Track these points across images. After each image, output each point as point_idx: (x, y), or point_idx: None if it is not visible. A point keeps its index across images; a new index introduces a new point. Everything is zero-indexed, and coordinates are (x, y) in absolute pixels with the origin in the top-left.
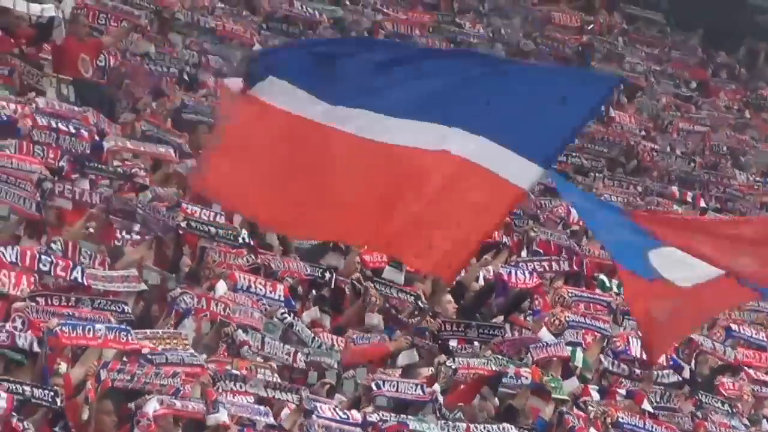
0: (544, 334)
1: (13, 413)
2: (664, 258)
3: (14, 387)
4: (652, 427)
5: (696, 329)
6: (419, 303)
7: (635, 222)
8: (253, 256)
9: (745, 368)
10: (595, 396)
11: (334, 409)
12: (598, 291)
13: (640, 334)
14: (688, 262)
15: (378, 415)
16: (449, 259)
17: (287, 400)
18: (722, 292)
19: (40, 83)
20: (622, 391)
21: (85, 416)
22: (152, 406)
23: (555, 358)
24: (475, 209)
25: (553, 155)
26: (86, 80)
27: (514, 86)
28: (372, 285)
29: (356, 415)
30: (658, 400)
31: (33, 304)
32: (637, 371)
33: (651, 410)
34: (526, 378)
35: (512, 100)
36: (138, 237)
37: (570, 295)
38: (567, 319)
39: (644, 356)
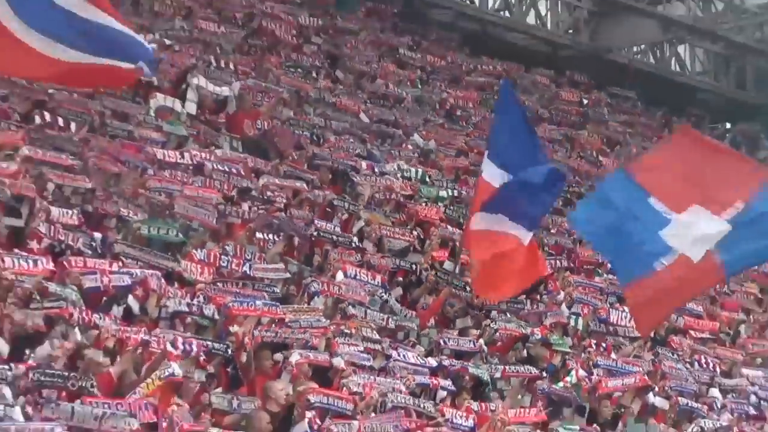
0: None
1: (201, 354)
2: (678, 232)
3: (203, 342)
4: (622, 366)
5: (677, 307)
6: (467, 287)
7: (636, 181)
8: (360, 255)
9: (688, 330)
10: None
11: (416, 357)
12: (595, 279)
13: (633, 318)
14: (696, 229)
15: (447, 361)
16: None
17: (380, 350)
18: (704, 273)
19: (217, 140)
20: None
21: (244, 359)
22: (294, 357)
23: (560, 323)
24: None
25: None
26: (249, 138)
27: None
28: (436, 273)
29: (431, 361)
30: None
31: (213, 286)
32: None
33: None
34: (538, 335)
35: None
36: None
37: (574, 281)
38: (575, 296)
39: (623, 323)
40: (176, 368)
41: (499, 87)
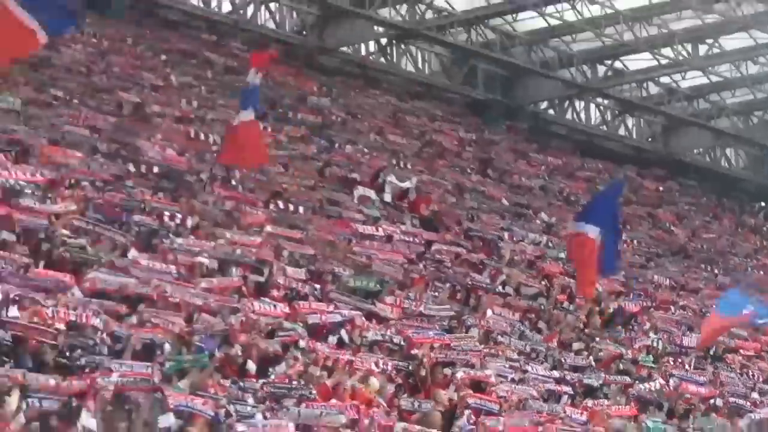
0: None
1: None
2: None
3: (394, 361)
4: (691, 376)
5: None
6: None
7: None
8: (503, 299)
9: (739, 349)
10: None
11: (545, 370)
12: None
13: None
14: None
15: (567, 373)
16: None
17: (519, 366)
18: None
19: (402, 218)
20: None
21: (423, 374)
22: (459, 372)
23: (646, 346)
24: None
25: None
26: (424, 217)
27: None
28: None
29: (555, 373)
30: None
31: (400, 322)
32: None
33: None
34: (630, 355)
35: None
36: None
37: (656, 315)
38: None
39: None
40: (375, 381)
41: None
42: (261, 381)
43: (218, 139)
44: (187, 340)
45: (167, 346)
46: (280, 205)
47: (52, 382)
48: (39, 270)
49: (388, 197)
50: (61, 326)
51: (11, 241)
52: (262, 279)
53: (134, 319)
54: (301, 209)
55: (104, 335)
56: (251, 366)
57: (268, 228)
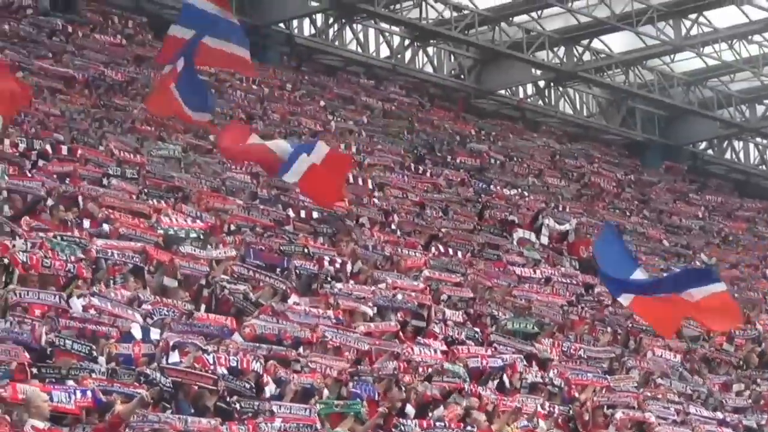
0: None
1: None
2: None
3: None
4: None
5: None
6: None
7: None
8: (663, 340)
9: None
10: None
11: (707, 412)
12: None
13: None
14: None
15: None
16: None
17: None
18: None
19: (561, 261)
20: None
21: (586, 417)
22: (618, 414)
23: None
24: None
25: None
26: (584, 259)
27: None
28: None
29: (718, 414)
30: None
31: (559, 364)
32: None
33: None
34: None
35: None
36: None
37: None
38: None
39: None
40: (543, 424)
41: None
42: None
43: (375, 184)
44: (345, 385)
45: (326, 391)
46: (440, 248)
47: (213, 426)
48: (200, 316)
49: (545, 239)
50: (222, 371)
51: (173, 288)
52: (421, 323)
53: (294, 365)
54: (459, 253)
55: (264, 380)
56: (410, 410)
57: (427, 272)
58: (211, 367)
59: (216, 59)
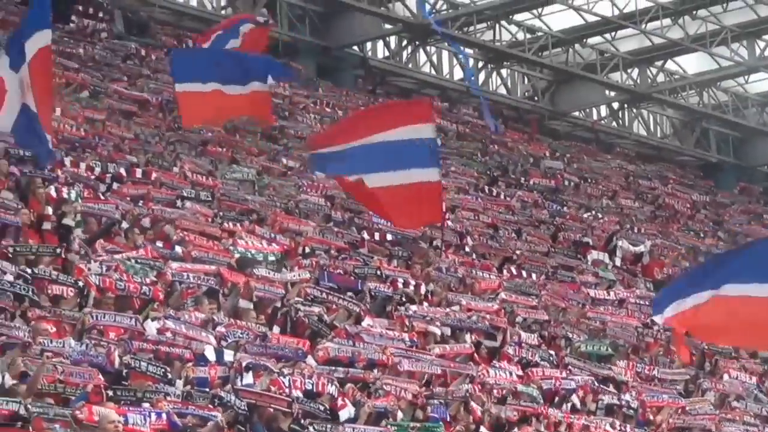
0: None
1: None
2: None
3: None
4: None
5: None
6: None
7: None
8: (737, 362)
9: None
10: None
11: None
12: None
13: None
14: None
15: None
16: None
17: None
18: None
19: (635, 283)
20: None
21: None
22: None
23: None
24: None
25: None
26: (658, 280)
27: None
28: None
29: None
30: None
31: (632, 386)
32: None
33: None
34: None
35: None
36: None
37: None
38: None
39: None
40: None
41: None
42: None
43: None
44: (420, 407)
45: (400, 414)
46: (513, 270)
47: None
48: (275, 338)
49: (618, 261)
50: (297, 394)
51: (248, 310)
52: (494, 344)
53: (368, 387)
54: (533, 275)
55: (339, 403)
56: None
57: (503, 294)
58: (286, 390)
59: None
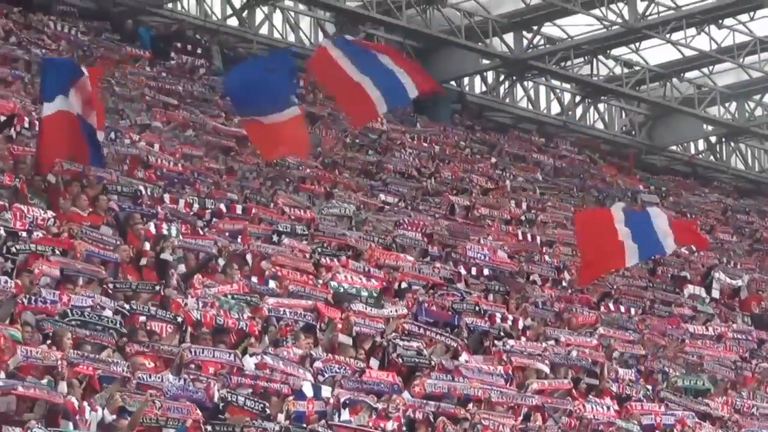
0: None
1: None
2: None
3: None
4: None
5: None
6: None
7: None
8: None
9: None
10: None
11: None
12: None
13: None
14: None
15: None
16: None
17: None
18: None
19: (734, 317)
20: None
21: None
22: None
23: None
24: None
25: None
26: (756, 314)
27: None
28: None
29: None
30: None
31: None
32: None
33: None
34: None
35: None
36: None
37: None
38: None
39: None
40: None
41: None
42: None
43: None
44: None
45: None
46: (611, 305)
47: None
48: (372, 373)
49: (716, 293)
50: (393, 428)
51: (347, 345)
52: (594, 381)
53: (462, 422)
54: (632, 310)
55: None
56: None
57: (600, 329)
58: (381, 424)
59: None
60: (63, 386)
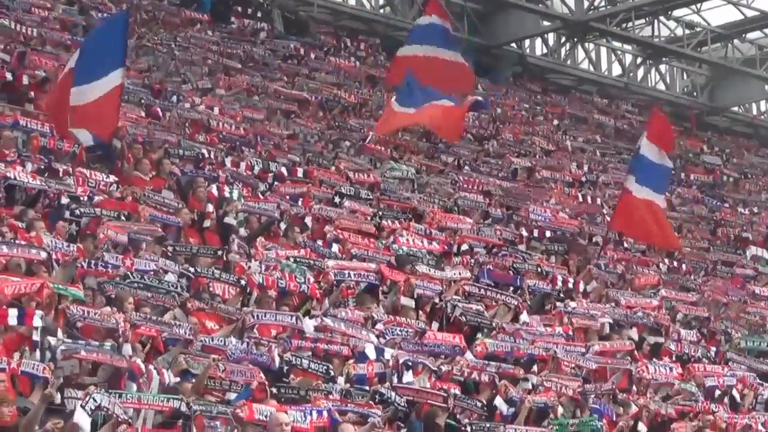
0: None
1: None
2: None
3: None
4: None
5: None
6: None
7: None
8: None
9: None
10: None
11: None
12: None
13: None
14: None
15: None
16: None
17: None
18: None
19: None
20: None
21: None
22: None
23: None
24: None
25: None
26: None
27: None
28: None
29: None
30: None
31: None
32: None
33: None
34: None
35: None
36: None
37: None
38: None
39: None
40: None
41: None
42: None
43: (610, 203)
44: (581, 403)
45: (560, 410)
46: (674, 264)
47: None
48: (433, 335)
49: None
50: (455, 390)
51: (409, 307)
52: (655, 341)
53: (523, 383)
54: (693, 271)
55: (496, 399)
56: (642, 429)
57: (663, 291)
58: (445, 386)
59: (437, 75)
60: (127, 348)
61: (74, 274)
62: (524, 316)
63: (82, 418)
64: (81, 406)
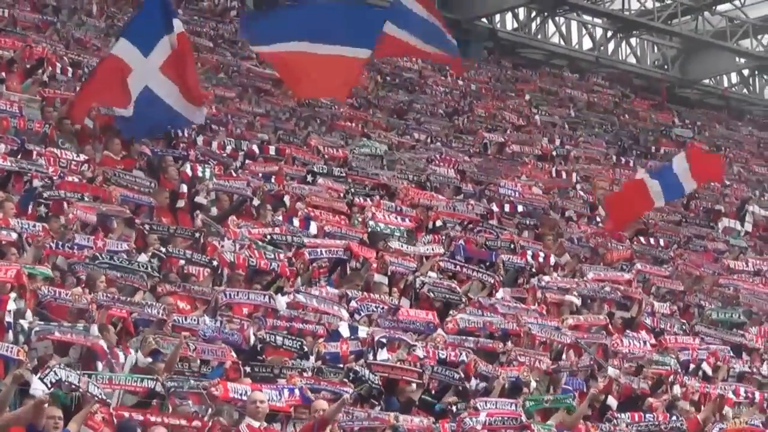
0: None
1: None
2: None
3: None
4: None
5: None
6: None
7: None
8: None
9: None
10: None
11: None
12: None
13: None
14: None
15: None
16: None
17: None
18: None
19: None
20: None
21: None
22: None
23: None
24: None
25: None
26: None
27: None
28: None
29: None
30: None
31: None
32: None
33: None
34: None
35: None
36: None
37: None
38: None
39: None
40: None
41: None
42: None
43: (580, 177)
44: (554, 378)
45: (533, 384)
46: (643, 240)
47: (423, 423)
48: (407, 311)
49: (749, 227)
50: (430, 365)
51: (381, 284)
52: (628, 315)
53: (501, 358)
54: (661, 241)
55: (471, 374)
56: (612, 402)
57: (638, 265)
58: (420, 362)
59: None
60: (94, 329)
61: (42, 254)
62: (500, 293)
63: (38, 388)
64: (39, 378)
